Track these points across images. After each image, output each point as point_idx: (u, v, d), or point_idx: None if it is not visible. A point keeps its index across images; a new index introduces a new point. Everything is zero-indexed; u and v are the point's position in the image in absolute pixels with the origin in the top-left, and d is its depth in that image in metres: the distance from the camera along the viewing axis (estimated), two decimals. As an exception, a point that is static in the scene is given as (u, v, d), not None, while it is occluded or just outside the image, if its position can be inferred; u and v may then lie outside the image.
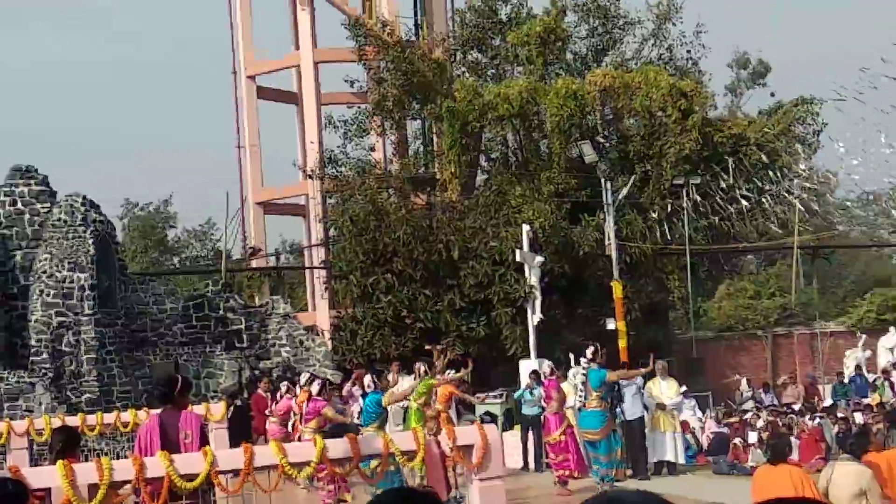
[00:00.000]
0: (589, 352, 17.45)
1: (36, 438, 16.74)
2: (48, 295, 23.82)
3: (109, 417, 18.60)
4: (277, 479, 10.65)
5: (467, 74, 36.56)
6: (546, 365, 18.76)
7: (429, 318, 26.44)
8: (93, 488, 8.36)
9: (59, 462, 8.41)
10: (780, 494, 10.97)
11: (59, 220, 24.26)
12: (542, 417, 18.74)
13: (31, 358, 23.76)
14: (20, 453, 17.32)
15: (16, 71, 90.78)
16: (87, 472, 8.38)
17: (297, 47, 39.02)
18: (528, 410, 21.51)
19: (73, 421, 18.12)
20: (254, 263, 38.74)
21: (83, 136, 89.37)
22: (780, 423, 21.66)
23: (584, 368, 17.07)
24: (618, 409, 20.36)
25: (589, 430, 17.37)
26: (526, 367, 23.72)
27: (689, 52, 37.24)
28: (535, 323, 25.12)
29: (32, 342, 23.80)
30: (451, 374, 19.37)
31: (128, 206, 51.53)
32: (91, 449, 20.69)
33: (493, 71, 37.00)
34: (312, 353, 26.34)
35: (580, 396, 17.14)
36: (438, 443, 10.41)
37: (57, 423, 15.61)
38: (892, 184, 35.59)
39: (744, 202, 31.97)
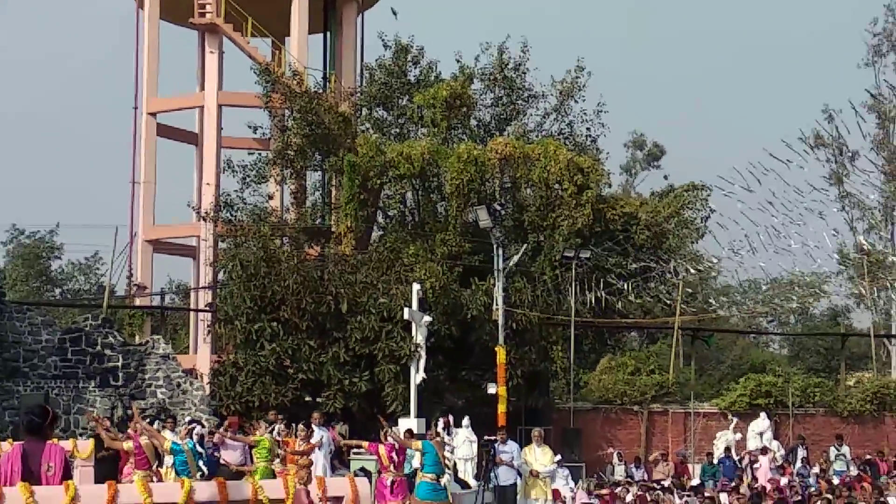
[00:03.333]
0: (441, 424, 17.70)
1: None
2: (-82, 316, 23.01)
3: (-29, 446, 17.96)
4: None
5: (371, 131, 36.84)
6: (395, 430, 18.69)
7: (311, 369, 26.19)
8: None
9: None
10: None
11: (-63, 240, 23.52)
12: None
13: None
14: None
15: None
16: None
17: (203, 88, 38.82)
18: (406, 469, 21.46)
19: (-67, 447, 17.46)
20: (137, 301, 38.00)
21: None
22: (649, 499, 21.96)
23: (450, 445, 17.24)
24: (492, 474, 20.46)
25: (439, 502, 17.36)
26: (404, 425, 23.64)
27: (588, 129, 38.27)
28: (418, 382, 25.12)
29: None
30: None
31: (14, 233, 50.20)
32: (-52, 478, 19.87)
33: (397, 130, 37.37)
34: (189, 397, 25.83)
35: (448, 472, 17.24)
36: (308, 492, 10.34)
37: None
38: (767, 272, 36.83)
39: (630, 279, 32.68)
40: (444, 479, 17.37)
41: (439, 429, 17.91)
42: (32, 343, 25.19)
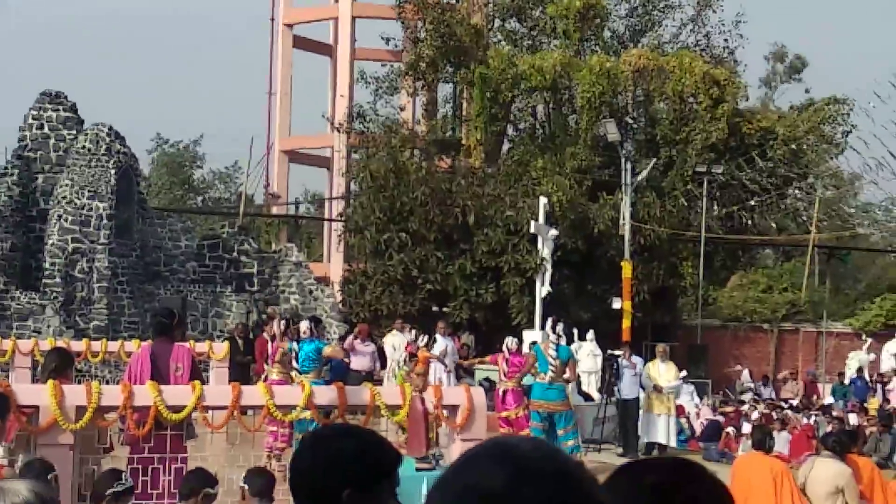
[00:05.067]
0: (560, 327, 17.57)
1: (40, 359, 16.88)
2: (66, 221, 24.11)
3: (114, 346, 18.89)
4: (262, 420, 10.89)
5: (503, 43, 36.48)
6: (512, 340, 18.76)
7: (438, 279, 26.60)
8: (80, 410, 8.43)
9: (50, 381, 8.51)
10: (758, 483, 11.16)
11: (83, 147, 24.50)
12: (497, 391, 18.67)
13: (44, 280, 24.08)
14: (23, 372, 17.63)
15: (69, 16, 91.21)
16: (76, 393, 8.48)
17: (337, -1, 39.04)
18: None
19: (79, 346, 18.45)
20: (274, 210, 38.98)
21: (124, 71, 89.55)
22: (774, 417, 21.72)
23: (553, 343, 17.16)
24: (615, 388, 20.55)
25: (551, 402, 17.36)
26: (529, 337, 23.86)
27: (726, 40, 37.15)
28: (543, 295, 25.21)
29: (47, 265, 24.10)
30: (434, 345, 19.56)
31: (158, 142, 51.86)
32: (94, 375, 21.03)
33: (529, 42, 36.91)
34: (320, 304, 26.57)
35: (551, 369, 17.18)
36: (423, 400, 10.59)
37: (62, 345, 15.82)
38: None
39: (765, 195, 31.92)
40: (548, 376, 17.32)
41: (547, 328, 17.99)
42: (172, 248, 26.20)
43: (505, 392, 17.96)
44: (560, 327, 17.54)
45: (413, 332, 22.71)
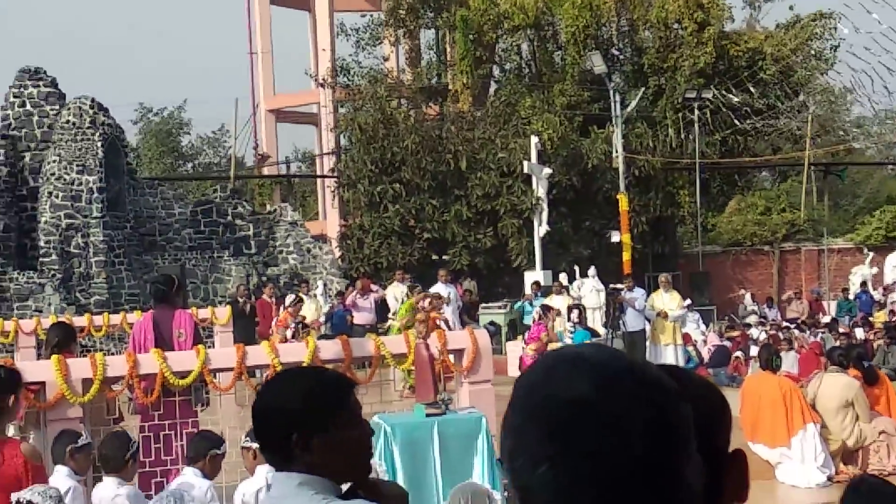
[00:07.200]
0: (574, 315, 17.73)
1: (44, 338, 16.82)
2: (57, 197, 23.95)
3: (116, 318, 18.87)
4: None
5: (483, -18, 36.02)
6: (536, 312, 18.92)
7: (436, 227, 26.51)
8: (87, 383, 8.40)
9: (54, 356, 8.46)
10: (767, 402, 11.16)
11: (67, 122, 24.27)
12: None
13: (40, 259, 23.95)
14: (28, 352, 17.61)
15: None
16: (81, 367, 8.42)
17: (312, -48, 38.53)
18: (529, 321, 21.75)
19: (81, 321, 18.42)
20: (265, 171, 38.78)
21: (103, 42, 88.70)
22: (781, 338, 21.73)
23: (570, 330, 17.34)
24: (620, 322, 20.56)
25: None
26: (530, 278, 23.84)
27: (708, -38, 36.59)
28: (542, 235, 25.15)
29: (42, 244, 23.97)
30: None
31: (142, 111, 51.48)
32: (98, 349, 21.00)
33: (509, -21, 36.44)
34: (319, 261, 26.49)
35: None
36: (427, 346, 10.56)
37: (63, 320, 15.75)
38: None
39: (757, 117, 31.71)
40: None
41: (564, 315, 18.25)
42: (166, 217, 26.06)
43: (521, 359, 18.10)
44: (575, 314, 17.72)
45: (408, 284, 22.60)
